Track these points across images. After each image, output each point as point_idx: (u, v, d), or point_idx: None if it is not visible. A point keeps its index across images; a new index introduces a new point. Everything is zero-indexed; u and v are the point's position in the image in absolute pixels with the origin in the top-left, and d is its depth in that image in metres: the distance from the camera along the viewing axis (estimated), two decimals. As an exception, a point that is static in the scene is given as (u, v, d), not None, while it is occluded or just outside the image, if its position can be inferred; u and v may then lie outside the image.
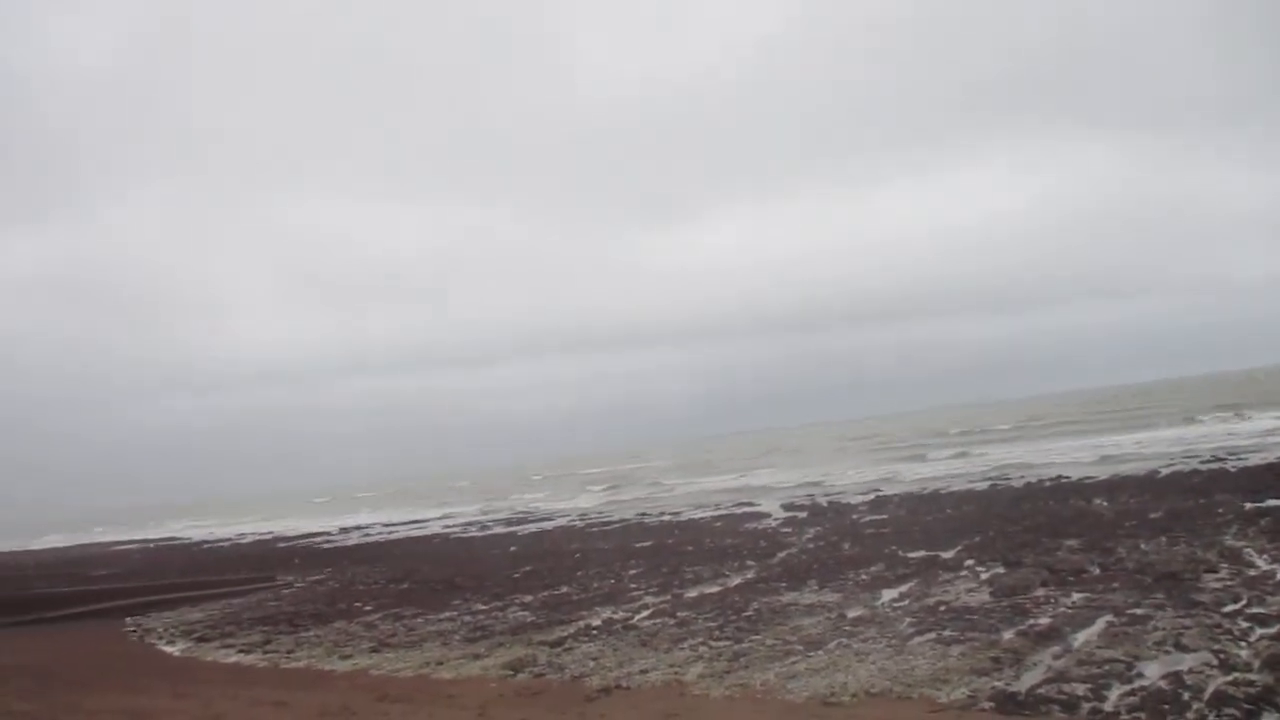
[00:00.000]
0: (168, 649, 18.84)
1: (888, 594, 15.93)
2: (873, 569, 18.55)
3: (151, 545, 67.61)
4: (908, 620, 13.48)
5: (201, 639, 19.24)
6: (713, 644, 13.23)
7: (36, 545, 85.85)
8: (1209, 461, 33.63)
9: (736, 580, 19.34)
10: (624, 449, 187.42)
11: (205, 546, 58.85)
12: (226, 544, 58.89)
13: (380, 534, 50.65)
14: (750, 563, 21.63)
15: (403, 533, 49.60)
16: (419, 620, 18.48)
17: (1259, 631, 10.86)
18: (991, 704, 9.28)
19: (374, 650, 15.80)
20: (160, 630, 21.12)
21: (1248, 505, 21.29)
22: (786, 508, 36.01)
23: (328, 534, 55.21)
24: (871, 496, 36.59)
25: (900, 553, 20.40)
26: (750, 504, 40.25)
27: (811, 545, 23.81)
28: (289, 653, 16.58)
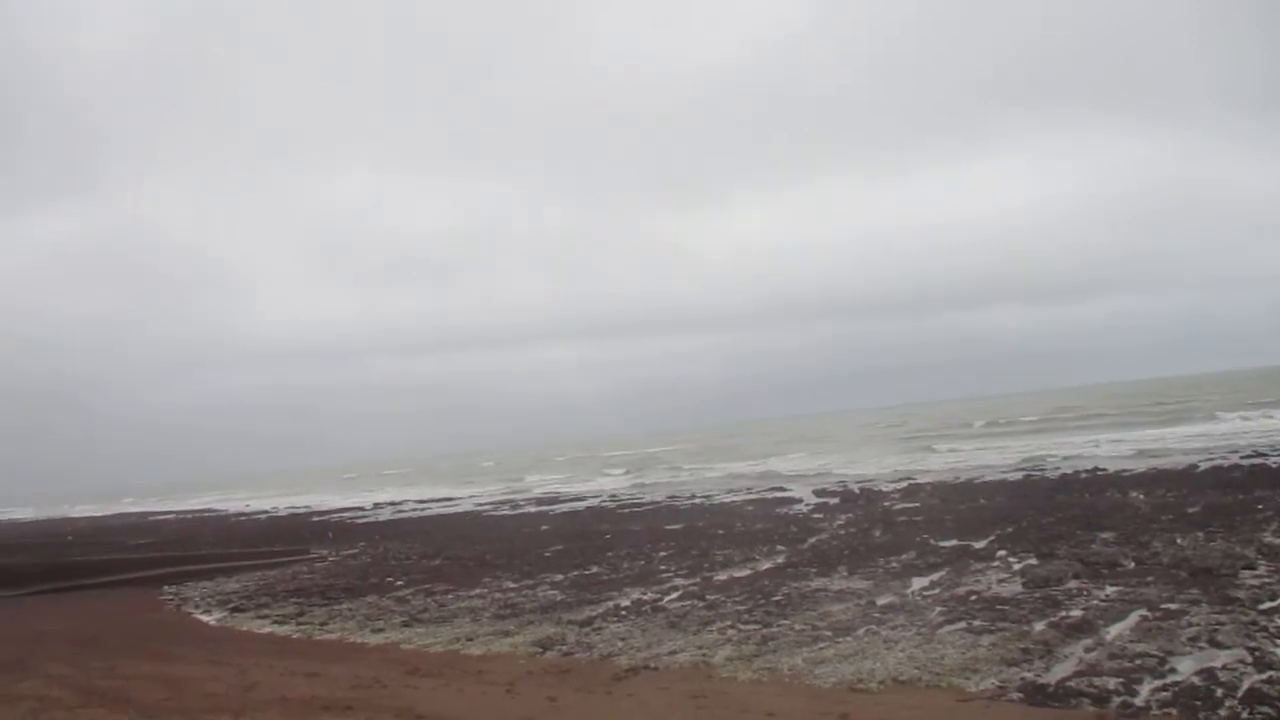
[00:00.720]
0: (204, 618, 19.13)
1: (918, 582, 15.87)
2: (904, 557, 18.48)
3: (188, 516, 68.65)
4: (938, 609, 13.43)
5: (237, 609, 19.53)
6: (741, 627, 13.25)
7: (74, 514, 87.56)
8: (1249, 456, 33.16)
9: (766, 564, 19.35)
10: (648, 433, 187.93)
11: (240, 518, 59.69)
12: (262, 516, 59.69)
13: (413, 510, 51.11)
14: (780, 547, 21.61)
15: (435, 510, 50.00)
16: (450, 596, 18.65)
17: (1296, 630, 10.72)
18: (1021, 695, 9.23)
19: (405, 625, 15.97)
20: (197, 599, 21.46)
21: (1288, 502, 20.99)
22: (818, 493, 35.92)
23: (361, 509, 55.82)
24: (904, 484, 36.42)
25: (932, 541, 20.30)
26: (781, 489, 40.20)
27: (842, 531, 23.75)
28: (322, 625, 16.80)
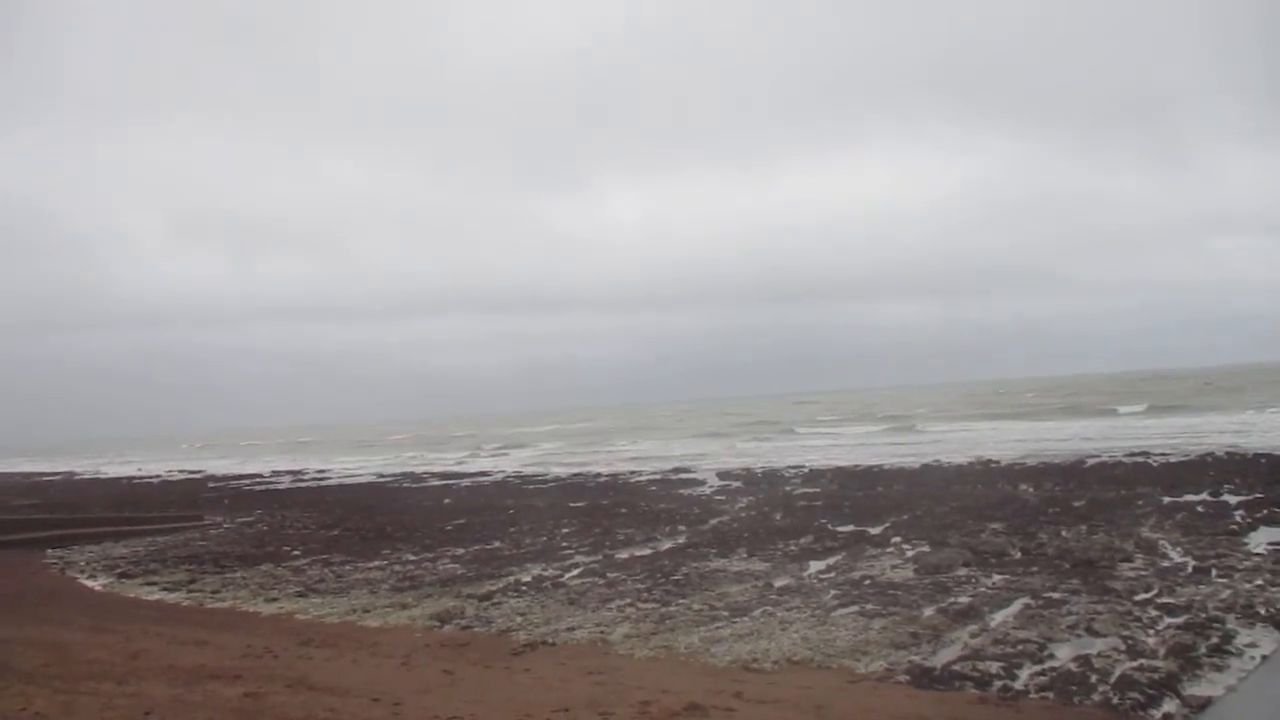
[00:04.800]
0: (89, 583, 18.56)
1: (815, 565, 16.19)
2: (802, 540, 18.81)
3: (76, 478, 66.39)
4: (832, 592, 13.73)
5: (124, 575, 18.99)
6: (640, 605, 13.37)
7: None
8: (1133, 455, 34.52)
9: (667, 544, 19.51)
10: (532, 410, 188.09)
11: (132, 482, 57.91)
12: (155, 480, 58.02)
13: (312, 480, 50.25)
14: (682, 528, 21.82)
15: (336, 480, 49.24)
16: (348, 567, 18.42)
17: (1167, 620, 11.23)
18: (908, 677, 9.51)
19: (300, 595, 15.73)
20: (82, 564, 20.80)
21: (1166, 499, 21.94)
22: (721, 476, 36.31)
23: (259, 476, 54.67)
24: (806, 469, 37.02)
25: (829, 526, 20.72)
26: (686, 470, 40.53)
27: (743, 514, 24.07)
28: (214, 593, 16.44)
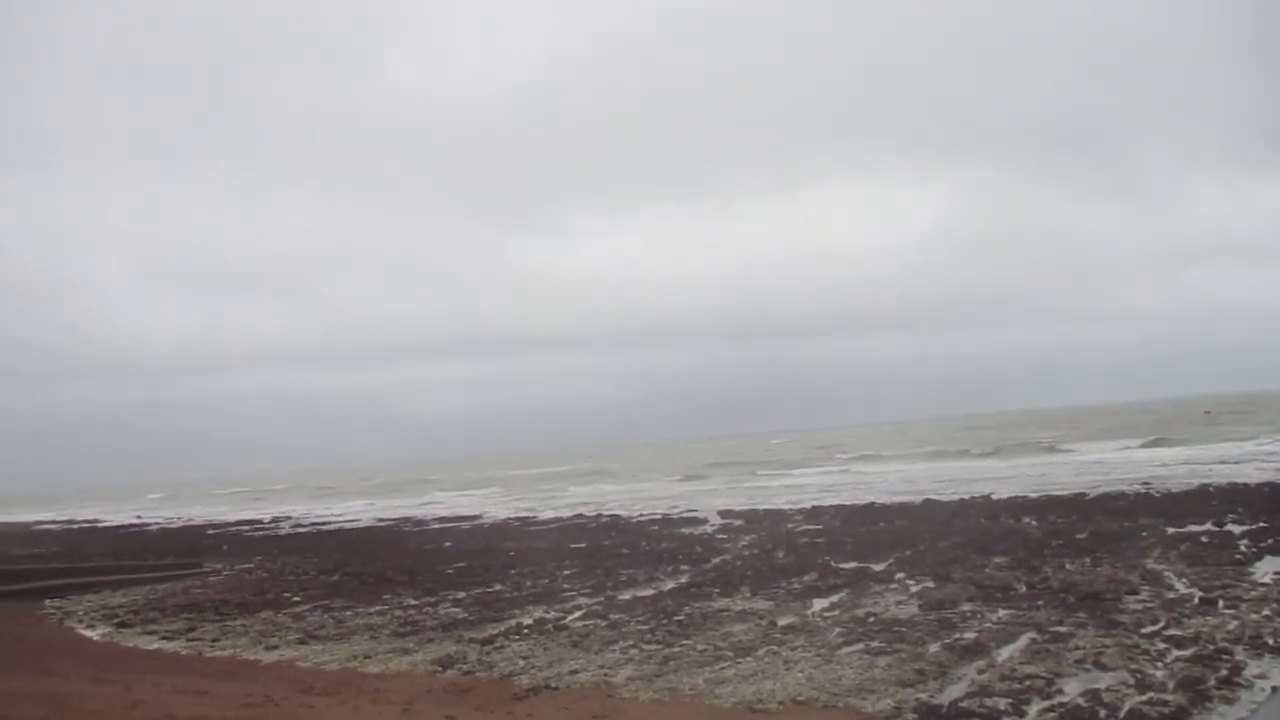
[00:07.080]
0: (88, 633, 18.41)
1: (819, 603, 16.08)
2: (805, 578, 18.70)
3: (74, 527, 66.13)
4: (837, 630, 13.63)
5: (123, 624, 18.83)
6: (643, 647, 13.26)
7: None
8: (1135, 486, 34.44)
9: (670, 584, 19.39)
10: (512, 454, 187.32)
11: (130, 530, 57.69)
12: (153, 529, 57.79)
13: (312, 525, 50.04)
14: (685, 567, 21.69)
15: (335, 524, 49.04)
16: (348, 613, 18.28)
17: (1175, 653, 11.14)
18: (915, 715, 9.42)
19: (301, 642, 15.59)
20: (81, 613, 20.64)
21: (1170, 530, 21.85)
22: (723, 514, 36.17)
23: (258, 522, 54.47)
24: (809, 506, 36.87)
25: (833, 563, 20.59)
26: (687, 509, 40.39)
27: (746, 552, 23.95)
28: (213, 641, 16.30)
